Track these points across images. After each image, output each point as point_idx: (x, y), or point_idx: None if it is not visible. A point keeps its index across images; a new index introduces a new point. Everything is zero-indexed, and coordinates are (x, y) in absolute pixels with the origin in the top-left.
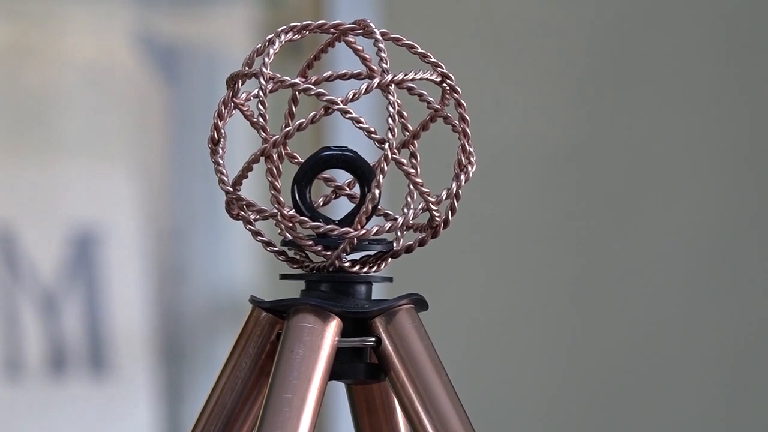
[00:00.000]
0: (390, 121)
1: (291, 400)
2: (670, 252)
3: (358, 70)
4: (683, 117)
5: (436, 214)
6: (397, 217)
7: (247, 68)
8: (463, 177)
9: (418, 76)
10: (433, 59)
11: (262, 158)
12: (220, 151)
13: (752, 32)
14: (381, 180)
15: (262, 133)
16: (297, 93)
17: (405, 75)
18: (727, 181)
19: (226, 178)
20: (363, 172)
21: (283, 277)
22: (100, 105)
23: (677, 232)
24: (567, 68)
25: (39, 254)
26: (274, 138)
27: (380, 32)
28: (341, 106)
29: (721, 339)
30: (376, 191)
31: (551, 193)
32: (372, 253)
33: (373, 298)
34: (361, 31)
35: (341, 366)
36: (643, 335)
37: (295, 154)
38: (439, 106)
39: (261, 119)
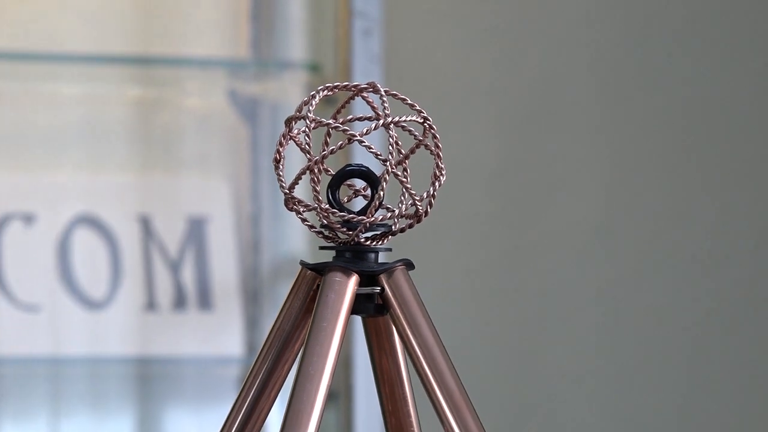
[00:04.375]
0: (390, 147)
1: (326, 327)
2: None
3: (370, 114)
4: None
5: (420, 208)
6: (394, 209)
7: (298, 113)
8: (437, 184)
9: (409, 118)
10: (418, 107)
11: (308, 172)
12: (281, 167)
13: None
14: (384, 185)
15: (308, 155)
16: (330, 129)
17: (400, 118)
18: (623, 181)
19: (284, 184)
20: (373, 181)
21: (321, 248)
22: (206, 137)
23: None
24: (500, 115)
25: (168, 233)
26: (315, 158)
27: (384, 90)
28: (359, 138)
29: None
30: (381, 193)
31: (492, 197)
32: (379, 232)
33: (379, 261)
34: (371, 89)
35: (359, 305)
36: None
37: (329, 168)
38: (422, 138)
39: (307, 146)
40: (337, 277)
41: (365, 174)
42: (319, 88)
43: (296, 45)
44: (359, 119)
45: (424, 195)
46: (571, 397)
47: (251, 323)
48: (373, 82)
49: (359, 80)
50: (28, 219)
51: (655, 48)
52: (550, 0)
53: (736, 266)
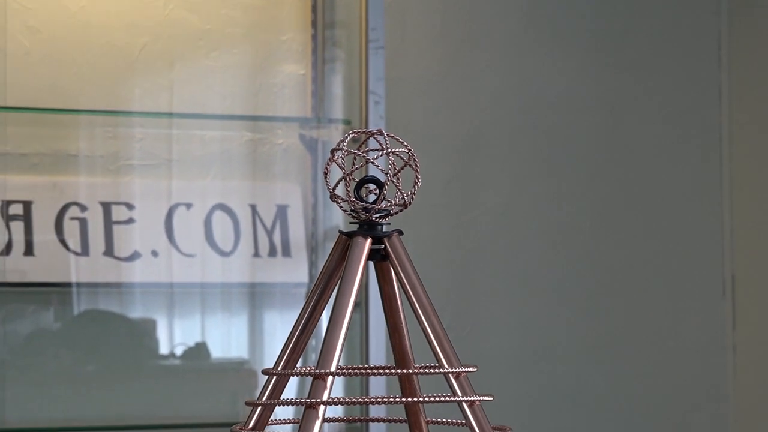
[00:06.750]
0: (390, 166)
1: (353, 268)
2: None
3: (378, 147)
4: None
5: (407, 200)
6: (392, 201)
7: (337, 146)
8: (416, 187)
9: (401, 149)
10: (405, 143)
11: (343, 180)
12: (328, 177)
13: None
14: (386, 188)
15: (343, 170)
16: (355, 156)
17: (396, 149)
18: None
19: (330, 187)
20: (380, 185)
21: (351, 223)
22: (288, 161)
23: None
24: (450, 148)
25: (266, 214)
26: (347, 172)
27: (386, 134)
28: (372, 161)
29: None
30: (384, 192)
31: (445, 195)
32: (383, 214)
33: (383, 230)
34: (379, 134)
35: (371, 255)
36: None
37: (355, 178)
38: (407, 161)
39: (343, 165)
40: (359, 240)
41: (375, 181)
42: (350, 132)
43: (337, 109)
44: (372, 150)
45: (409, 193)
46: (492, 304)
47: (312, 264)
48: (380, 129)
49: (372, 128)
50: (188, 206)
51: (542, 113)
52: (478, 82)
53: (589, 235)
